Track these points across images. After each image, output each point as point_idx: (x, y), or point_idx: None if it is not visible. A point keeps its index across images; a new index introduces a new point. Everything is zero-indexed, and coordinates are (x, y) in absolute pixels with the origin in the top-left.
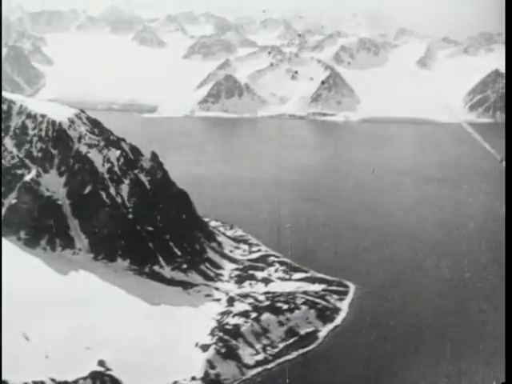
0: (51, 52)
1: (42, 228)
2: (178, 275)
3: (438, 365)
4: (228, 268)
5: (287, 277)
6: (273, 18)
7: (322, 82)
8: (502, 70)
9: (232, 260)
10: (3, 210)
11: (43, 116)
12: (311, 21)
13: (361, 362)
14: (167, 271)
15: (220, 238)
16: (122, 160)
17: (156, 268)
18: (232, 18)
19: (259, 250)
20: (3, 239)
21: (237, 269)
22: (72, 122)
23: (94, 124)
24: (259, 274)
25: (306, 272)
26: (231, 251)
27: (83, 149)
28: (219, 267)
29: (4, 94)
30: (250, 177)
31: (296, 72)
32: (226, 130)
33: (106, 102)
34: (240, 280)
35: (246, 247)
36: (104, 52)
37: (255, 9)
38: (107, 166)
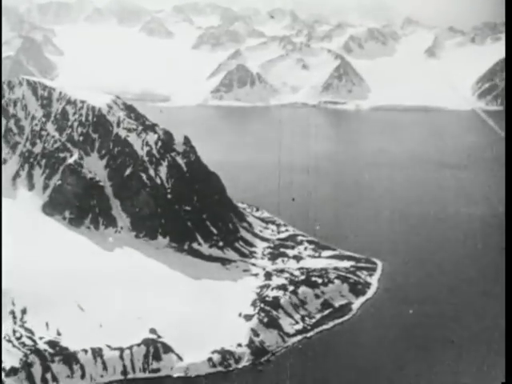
0: (61, 43)
1: (86, 208)
2: (216, 252)
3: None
4: (260, 246)
5: (316, 254)
6: (279, 8)
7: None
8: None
9: (263, 239)
10: (49, 191)
11: (83, 102)
12: (316, 11)
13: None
14: (205, 248)
15: (249, 219)
16: (159, 143)
17: (195, 245)
18: (237, 9)
19: (287, 230)
20: (51, 219)
21: (268, 247)
22: (110, 107)
23: (130, 110)
24: (290, 252)
25: (334, 250)
26: (261, 231)
27: (122, 133)
28: (252, 245)
29: (44, 80)
30: (271, 163)
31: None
32: (240, 118)
33: (118, 92)
34: (273, 257)
35: (274, 227)
36: (114, 43)
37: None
38: (146, 149)
